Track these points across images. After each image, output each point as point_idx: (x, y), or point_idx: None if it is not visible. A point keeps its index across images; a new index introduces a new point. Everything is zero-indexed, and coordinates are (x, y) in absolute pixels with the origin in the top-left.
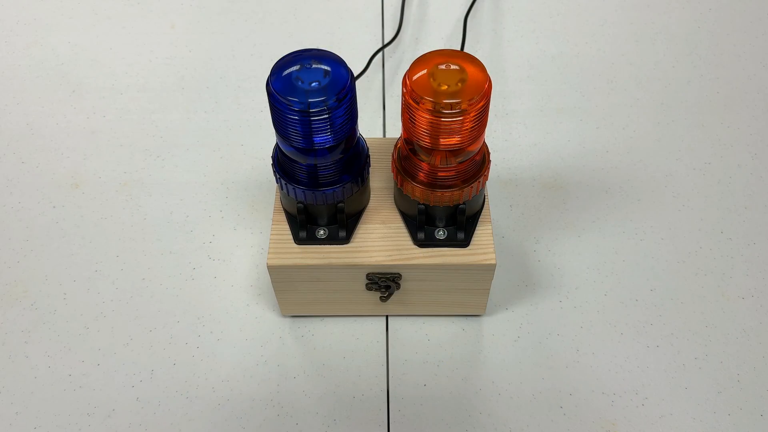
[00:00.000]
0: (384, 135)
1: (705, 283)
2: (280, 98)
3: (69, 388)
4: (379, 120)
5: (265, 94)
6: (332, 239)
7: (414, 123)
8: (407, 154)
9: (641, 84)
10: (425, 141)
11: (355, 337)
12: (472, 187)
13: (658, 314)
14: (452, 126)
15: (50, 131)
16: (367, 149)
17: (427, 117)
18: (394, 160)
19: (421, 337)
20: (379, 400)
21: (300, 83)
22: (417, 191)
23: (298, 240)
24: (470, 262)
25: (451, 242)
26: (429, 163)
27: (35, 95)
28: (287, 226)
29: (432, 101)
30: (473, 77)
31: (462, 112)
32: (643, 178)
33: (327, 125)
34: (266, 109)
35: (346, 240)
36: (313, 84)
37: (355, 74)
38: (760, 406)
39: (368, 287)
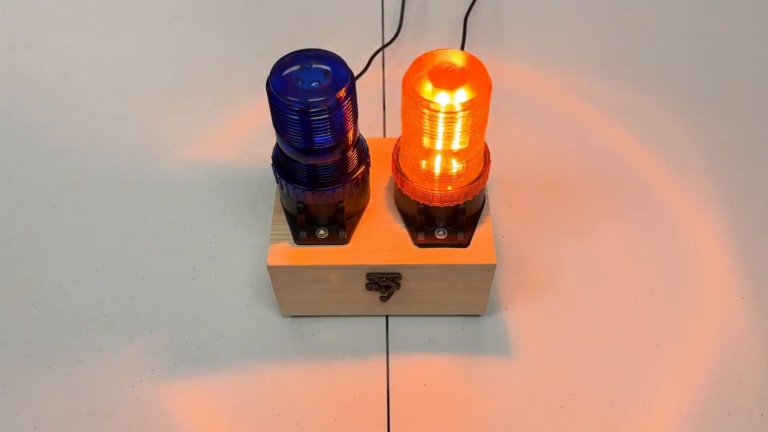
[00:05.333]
0: (384, 135)
1: (705, 283)
2: (280, 98)
3: (69, 388)
4: (379, 120)
5: (265, 94)
6: (332, 239)
7: (414, 123)
8: (407, 154)
9: (641, 84)
10: (425, 141)
11: (355, 337)
12: (472, 187)
13: (658, 314)
14: (452, 126)
15: (50, 131)
16: (367, 149)
17: (427, 117)
18: (394, 160)
19: (421, 337)
20: (379, 400)
21: (300, 83)
22: (417, 191)
23: (298, 240)
24: (470, 262)
25: (451, 242)
26: (429, 164)
27: (35, 95)
28: (287, 226)
29: (432, 101)
30: (473, 77)
31: (462, 113)
32: (643, 178)
33: (327, 125)
34: (266, 109)
35: (346, 240)
36: (313, 84)
37: (355, 74)
38: (760, 406)
39: (368, 287)
